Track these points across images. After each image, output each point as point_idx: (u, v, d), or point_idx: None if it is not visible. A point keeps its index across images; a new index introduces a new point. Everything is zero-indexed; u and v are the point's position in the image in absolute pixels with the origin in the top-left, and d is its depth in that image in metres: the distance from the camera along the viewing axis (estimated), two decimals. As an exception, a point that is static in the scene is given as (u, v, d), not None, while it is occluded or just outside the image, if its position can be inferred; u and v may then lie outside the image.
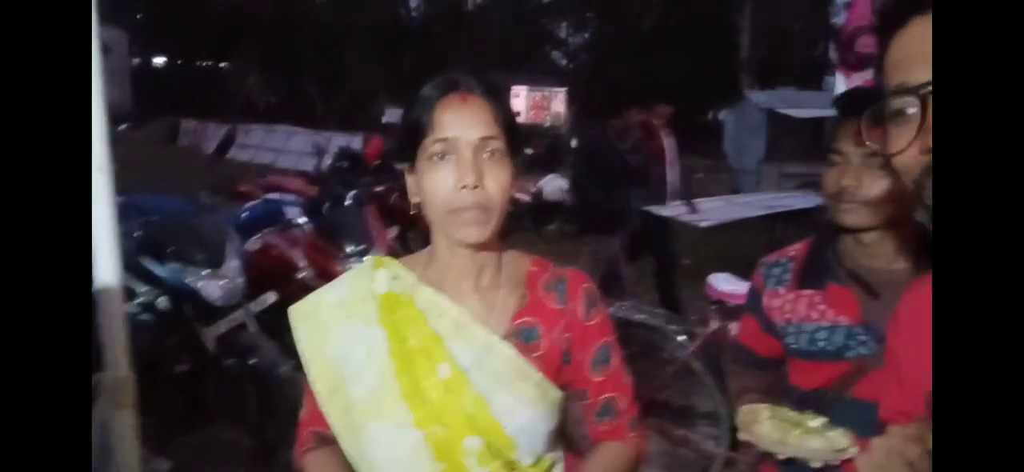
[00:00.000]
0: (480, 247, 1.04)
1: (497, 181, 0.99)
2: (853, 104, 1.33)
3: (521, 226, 8.04)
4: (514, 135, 1.04)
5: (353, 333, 1.06)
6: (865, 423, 1.28)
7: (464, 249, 1.04)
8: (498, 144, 0.99)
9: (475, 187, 0.96)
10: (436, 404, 1.00)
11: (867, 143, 1.24)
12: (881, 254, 1.34)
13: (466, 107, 0.99)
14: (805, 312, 1.37)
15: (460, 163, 0.97)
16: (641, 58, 21.36)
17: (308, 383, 1.09)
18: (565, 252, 7.53)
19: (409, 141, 1.02)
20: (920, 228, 1.36)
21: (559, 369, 1.08)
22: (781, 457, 1.27)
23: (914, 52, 0.70)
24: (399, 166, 1.11)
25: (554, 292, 1.10)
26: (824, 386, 1.35)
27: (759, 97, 12.47)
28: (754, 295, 1.48)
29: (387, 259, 1.13)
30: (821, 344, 1.35)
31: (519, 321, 1.07)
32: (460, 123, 0.98)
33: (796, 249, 1.46)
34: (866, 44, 3.40)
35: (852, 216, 1.30)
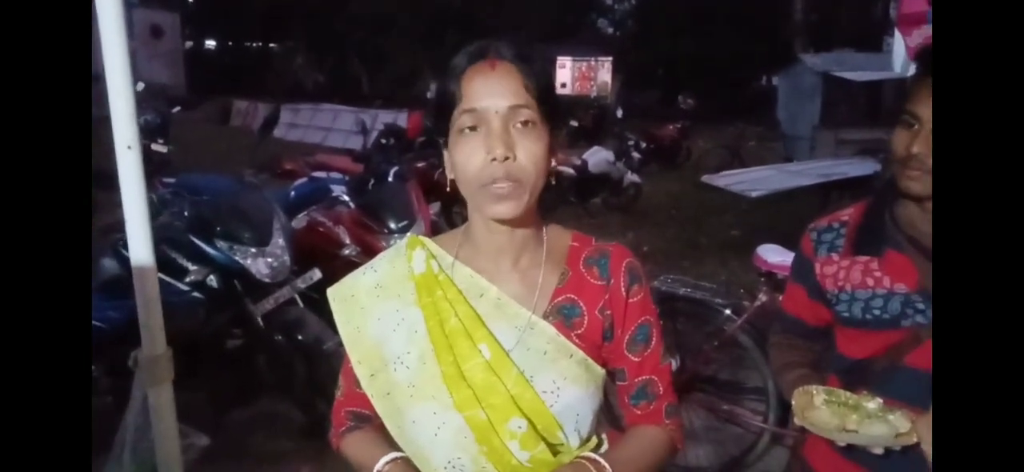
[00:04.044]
0: (517, 223, 1.01)
1: (529, 152, 0.95)
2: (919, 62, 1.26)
3: (566, 199, 7.98)
4: (550, 104, 0.99)
5: (391, 315, 1.05)
6: (919, 393, 1.23)
7: (501, 226, 1.01)
8: (530, 113, 0.95)
9: (505, 159, 0.93)
10: (478, 386, 0.98)
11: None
12: None
13: (495, 75, 0.95)
14: (860, 279, 1.32)
15: (489, 134, 0.94)
16: (689, 24, 20.80)
17: (347, 362, 1.09)
18: (610, 226, 7.48)
19: (440, 113, 0.99)
20: None
21: (600, 346, 1.05)
22: (841, 444, 1.22)
23: None
24: (419, 140, 1.08)
25: (596, 267, 1.07)
26: (874, 355, 1.31)
27: (814, 60, 12.02)
28: (803, 262, 1.43)
29: (423, 239, 1.11)
30: (876, 312, 1.29)
31: (560, 298, 1.04)
32: (488, 92, 0.94)
33: (849, 213, 1.39)
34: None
35: (920, 184, 1.23)
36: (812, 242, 1.41)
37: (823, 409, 1.23)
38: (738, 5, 18.99)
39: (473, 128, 0.95)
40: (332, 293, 1.11)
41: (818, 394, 1.26)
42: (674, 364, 2.96)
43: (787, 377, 1.43)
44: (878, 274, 1.30)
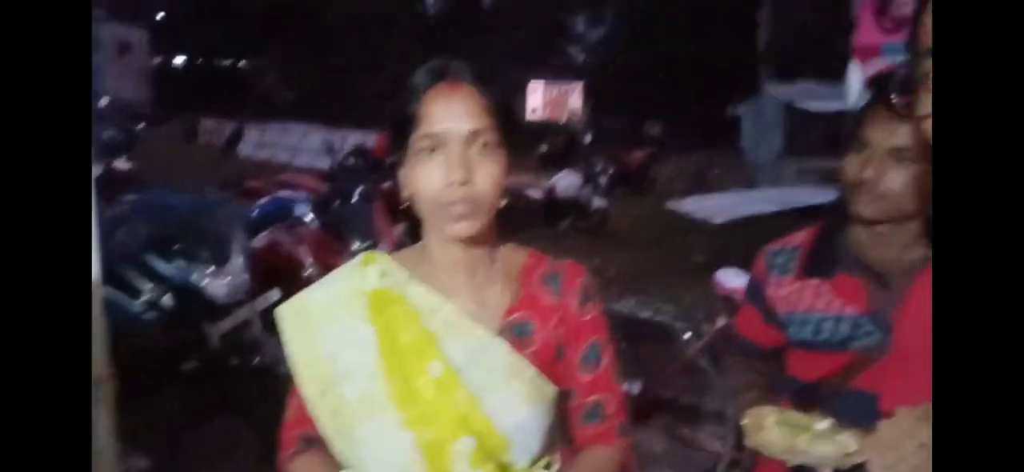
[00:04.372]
0: (472, 241, 1.01)
1: (488, 175, 0.95)
2: (885, 86, 1.28)
3: (534, 223, 8.02)
4: (509, 124, 0.99)
5: (343, 332, 1.03)
6: (866, 415, 1.25)
7: (456, 244, 1.01)
8: (490, 136, 0.95)
9: (464, 183, 0.93)
10: (427, 404, 0.97)
11: (896, 113, 1.22)
12: (893, 244, 1.31)
13: (454, 97, 0.95)
14: (811, 301, 1.34)
15: (449, 158, 0.94)
16: (658, 53, 21.19)
17: (295, 384, 1.07)
18: (577, 250, 7.52)
19: (398, 134, 0.99)
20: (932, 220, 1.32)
21: (552, 365, 1.05)
22: (790, 464, 1.23)
23: None
24: (389, 159, 1.08)
25: (549, 286, 1.07)
26: (825, 377, 1.32)
27: (777, 91, 12.32)
28: (756, 285, 1.45)
29: (377, 254, 1.10)
30: (826, 334, 1.32)
31: (512, 316, 1.04)
32: (448, 115, 0.94)
33: (801, 237, 1.42)
34: (902, 4, 3.34)
35: (871, 207, 1.26)
36: (765, 265, 1.44)
37: (774, 430, 1.25)
38: (705, 36, 19.43)
39: (432, 150, 0.95)
40: (282, 310, 1.09)
41: (770, 415, 1.28)
42: (636, 388, 2.97)
43: (741, 399, 1.45)
44: (829, 297, 1.32)
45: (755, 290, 1.46)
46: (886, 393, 1.28)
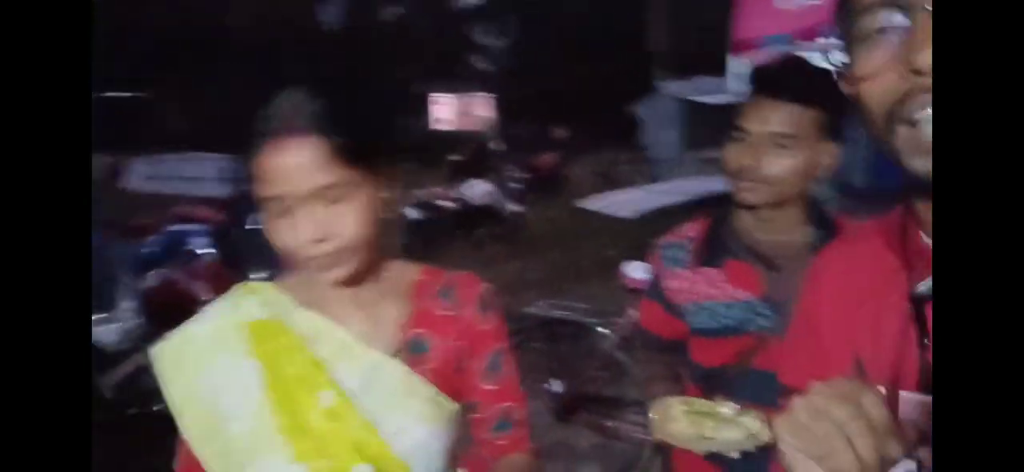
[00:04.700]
0: (355, 268, 0.95)
1: (349, 224, 0.88)
2: (764, 79, 1.34)
3: (450, 233, 7.97)
4: (366, 157, 0.90)
5: (224, 368, 0.97)
6: (769, 394, 1.30)
7: None
8: (340, 184, 0.87)
9: (321, 240, 0.87)
10: (320, 435, 0.93)
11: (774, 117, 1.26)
12: (779, 228, 1.37)
13: (292, 152, 0.85)
14: (706, 290, 1.38)
15: (296, 221, 0.86)
16: (560, 60, 21.69)
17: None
18: (495, 257, 7.52)
19: (240, 194, 0.92)
20: (814, 201, 1.38)
21: (453, 379, 1.02)
22: (700, 452, 1.26)
23: None
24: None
25: (444, 299, 1.04)
26: (726, 362, 1.37)
27: (671, 87, 12.80)
28: (654, 278, 1.49)
29: (258, 284, 1.04)
30: (723, 320, 1.36)
31: (407, 334, 1.00)
32: (286, 176, 0.85)
33: (693, 229, 1.46)
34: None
35: (753, 194, 1.31)
36: (660, 258, 1.47)
37: (681, 420, 1.26)
38: (601, 40, 20.03)
39: (281, 212, 0.87)
40: (156, 351, 1.01)
41: (675, 405, 1.29)
42: (559, 387, 2.99)
43: (649, 391, 1.47)
44: (722, 284, 1.37)
45: (653, 284, 1.49)
46: (785, 368, 1.33)
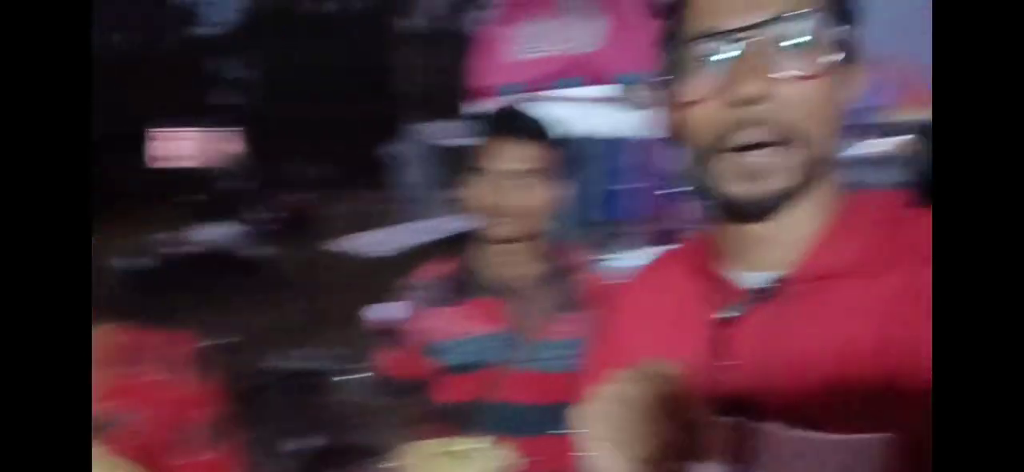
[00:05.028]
0: None
1: None
2: (497, 123, 1.41)
3: (178, 283, 7.20)
4: None
5: None
6: (517, 424, 1.35)
7: None
8: None
9: None
10: None
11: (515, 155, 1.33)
12: (520, 262, 1.43)
13: None
14: (453, 327, 1.40)
15: None
16: (315, 98, 21.17)
17: None
18: (241, 308, 6.96)
19: None
20: (549, 236, 1.47)
21: (158, 455, 0.91)
22: None
23: None
24: None
25: (149, 364, 0.93)
26: (472, 397, 1.39)
27: (421, 129, 13.16)
28: (401, 320, 1.48)
29: None
30: (472, 356, 1.39)
31: (100, 408, 0.87)
32: None
33: (441, 267, 1.49)
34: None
35: (504, 228, 1.37)
36: (411, 298, 1.47)
37: (434, 461, 1.25)
38: (354, 80, 20.00)
39: None
40: None
41: (425, 448, 1.28)
42: (319, 441, 2.83)
43: (396, 439, 1.44)
44: (469, 320, 1.40)
45: (400, 325, 1.48)
46: (528, 399, 1.39)
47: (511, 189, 1.34)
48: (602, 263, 3.70)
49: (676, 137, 0.72)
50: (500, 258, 1.41)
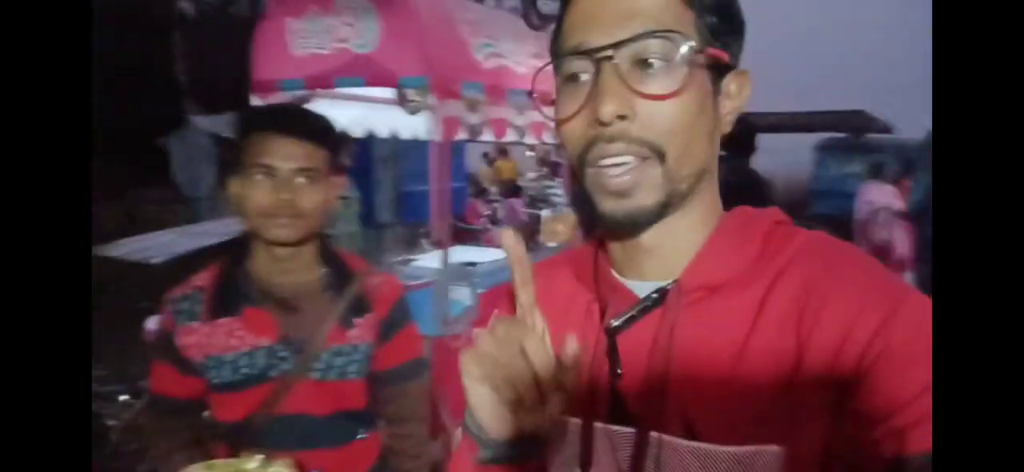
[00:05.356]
0: None
1: None
2: (276, 118, 1.35)
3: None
4: None
5: None
6: (299, 437, 1.34)
7: None
8: None
9: None
10: None
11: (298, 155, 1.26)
12: (295, 268, 1.39)
13: None
14: (224, 341, 1.34)
15: None
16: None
17: None
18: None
19: None
20: (325, 240, 1.48)
21: None
22: None
23: (593, 14, 0.66)
24: None
25: None
26: (251, 413, 1.35)
27: (203, 122, 12.13)
28: (165, 336, 1.40)
29: None
30: (244, 371, 1.34)
31: None
32: None
33: (203, 279, 1.41)
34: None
35: (287, 230, 1.31)
36: (171, 314, 1.39)
37: None
38: (123, 69, 17.79)
39: None
40: None
41: (201, 469, 1.25)
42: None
43: (170, 464, 1.37)
44: (241, 333, 1.34)
45: (165, 343, 1.40)
46: (320, 410, 1.38)
47: (287, 189, 1.29)
48: (392, 265, 3.77)
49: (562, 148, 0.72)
50: (274, 265, 1.37)
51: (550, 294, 0.78)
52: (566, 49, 0.67)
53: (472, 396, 0.64)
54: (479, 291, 3.61)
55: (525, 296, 0.63)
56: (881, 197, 6.58)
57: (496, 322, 0.63)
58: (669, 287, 0.69)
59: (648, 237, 0.70)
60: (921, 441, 0.53)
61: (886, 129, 11.87)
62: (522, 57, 4.00)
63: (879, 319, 0.58)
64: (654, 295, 0.69)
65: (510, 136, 3.94)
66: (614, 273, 0.74)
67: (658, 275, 0.70)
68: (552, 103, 0.70)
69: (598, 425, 0.71)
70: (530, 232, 5.27)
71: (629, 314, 0.70)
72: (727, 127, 0.70)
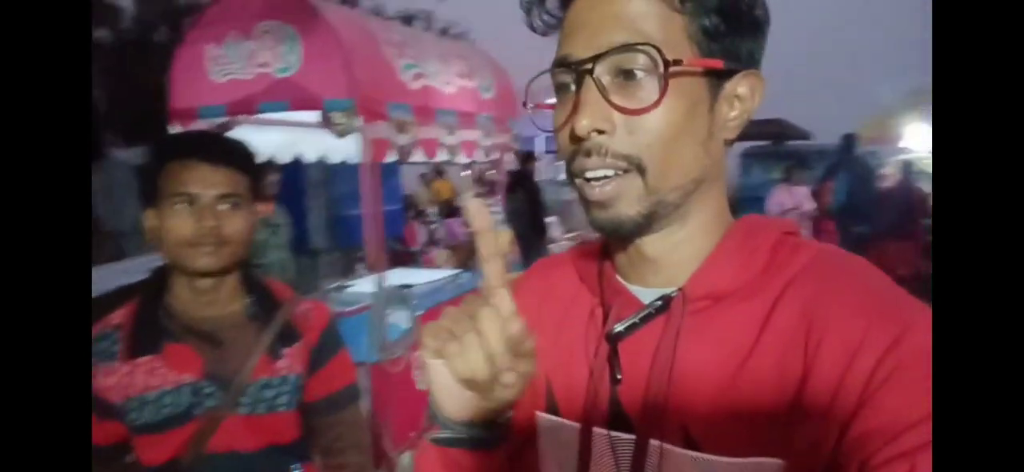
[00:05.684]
0: None
1: None
2: (195, 146, 1.32)
3: None
4: None
5: None
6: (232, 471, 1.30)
7: None
8: None
9: None
10: None
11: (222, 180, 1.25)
12: (218, 300, 1.36)
13: None
14: (145, 381, 1.29)
15: None
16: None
17: None
18: None
19: None
20: (248, 268, 1.44)
21: None
22: None
23: (579, 25, 0.65)
24: None
25: None
26: (178, 454, 1.30)
27: (125, 154, 11.69)
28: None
29: None
30: (168, 410, 1.29)
31: None
32: None
33: (120, 316, 1.36)
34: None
35: (211, 258, 1.28)
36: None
37: None
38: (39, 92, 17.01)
39: None
40: None
41: None
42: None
43: None
44: (162, 371, 1.29)
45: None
46: (252, 445, 1.34)
47: (210, 216, 1.27)
48: (327, 292, 3.70)
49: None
50: (198, 295, 1.34)
51: (552, 292, 0.78)
52: (555, 59, 0.67)
53: (429, 371, 0.63)
54: (418, 313, 3.58)
55: (490, 270, 0.60)
56: (790, 200, 6.93)
57: (466, 299, 0.62)
58: (673, 295, 0.68)
59: (649, 246, 0.69)
60: (922, 468, 0.52)
61: (804, 135, 12.44)
62: (449, 77, 4.02)
63: (885, 345, 0.57)
64: (658, 303, 0.68)
65: (441, 156, 3.94)
66: (619, 278, 0.73)
67: (663, 282, 0.70)
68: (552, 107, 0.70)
69: (597, 430, 0.70)
70: (468, 252, 5.27)
71: (632, 321, 0.69)
72: (733, 132, 0.68)
